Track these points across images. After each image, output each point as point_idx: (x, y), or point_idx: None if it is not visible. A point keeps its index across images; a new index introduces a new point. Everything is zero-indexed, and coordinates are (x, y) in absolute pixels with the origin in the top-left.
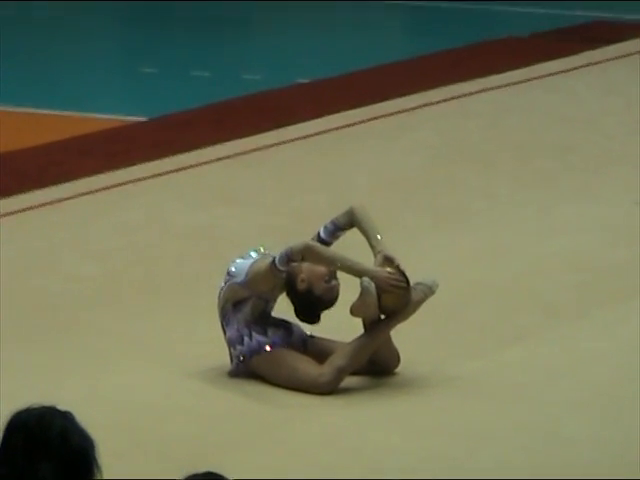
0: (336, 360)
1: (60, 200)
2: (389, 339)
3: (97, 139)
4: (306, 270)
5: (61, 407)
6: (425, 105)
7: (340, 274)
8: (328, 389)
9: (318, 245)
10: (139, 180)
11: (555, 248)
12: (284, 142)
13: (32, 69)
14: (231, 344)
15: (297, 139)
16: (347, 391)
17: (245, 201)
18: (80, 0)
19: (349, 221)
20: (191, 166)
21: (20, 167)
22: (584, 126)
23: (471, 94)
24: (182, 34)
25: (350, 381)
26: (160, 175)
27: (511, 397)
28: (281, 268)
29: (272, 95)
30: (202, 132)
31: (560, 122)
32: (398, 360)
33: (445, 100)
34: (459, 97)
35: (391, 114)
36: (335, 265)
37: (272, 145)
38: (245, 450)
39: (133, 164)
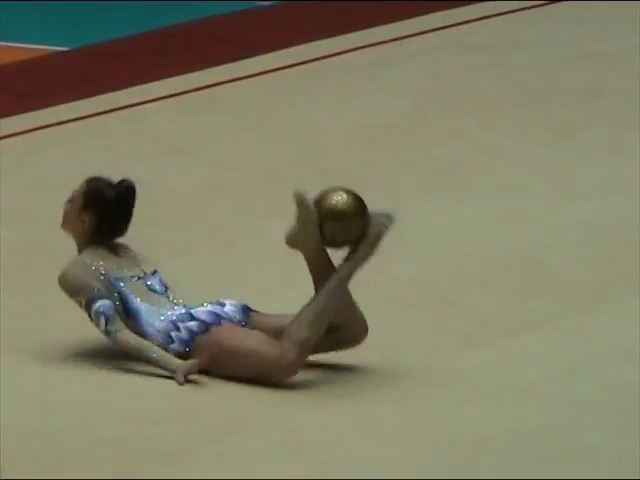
0: (295, 333)
1: None
2: (350, 299)
3: (9, 73)
4: None
5: None
6: (414, 35)
7: None
8: (293, 370)
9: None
10: (61, 124)
11: (574, 216)
12: (240, 79)
13: None
14: (165, 349)
15: (256, 75)
16: (314, 386)
17: (192, 152)
18: None
19: None
20: (125, 107)
21: None
22: (612, 65)
23: (470, 22)
24: None
25: (318, 376)
26: (87, 118)
27: (519, 397)
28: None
29: (226, 21)
30: (140, 65)
31: (583, 60)
32: (365, 328)
33: (438, 29)
34: (456, 25)
35: (371, 45)
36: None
37: (225, 82)
38: (183, 462)
39: (53, 104)
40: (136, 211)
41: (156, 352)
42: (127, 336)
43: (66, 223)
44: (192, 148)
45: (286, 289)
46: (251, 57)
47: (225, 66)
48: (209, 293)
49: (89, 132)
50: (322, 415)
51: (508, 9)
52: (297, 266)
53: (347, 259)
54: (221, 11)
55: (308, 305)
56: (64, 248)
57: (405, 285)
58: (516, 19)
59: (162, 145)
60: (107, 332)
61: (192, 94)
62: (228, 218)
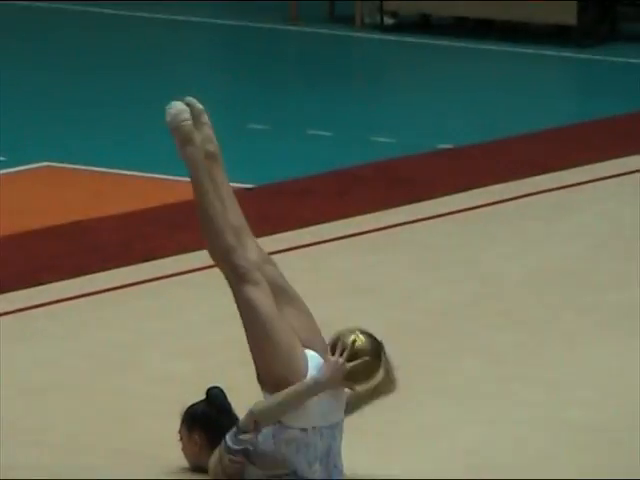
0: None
1: (144, 281)
2: None
3: (190, 209)
4: None
5: None
6: (593, 181)
7: None
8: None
9: (261, 402)
10: None
11: None
12: (419, 220)
13: (116, 122)
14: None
15: (435, 217)
16: None
17: (372, 291)
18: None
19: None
20: (306, 245)
21: (98, 240)
22: None
23: None
24: (300, 87)
25: None
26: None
27: None
28: (235, 447)
29: (407, 163)
30: (321, 205)
31: None
32: None
33: (618, 175)
34: (634, 172)
35: (550, 190)
36: (288, 406)
37: (405, 224)
38: None
39: None
40: None
41: (294, 390)
42: (263, 411)
43: (191, 458)
44: (370, 287)
45: (460, 426)
46: (429, 199)
47: (404, 208)
48: (382, 424)
49: None
50: None
51: None
52: (476, 406)
53: None
54: (402, 152)
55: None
56: (239, 383)
57: (577, 428)
58: None
59: (341, 285)
60: (256, 435)
61: (370, 235)
62: (406, 357)
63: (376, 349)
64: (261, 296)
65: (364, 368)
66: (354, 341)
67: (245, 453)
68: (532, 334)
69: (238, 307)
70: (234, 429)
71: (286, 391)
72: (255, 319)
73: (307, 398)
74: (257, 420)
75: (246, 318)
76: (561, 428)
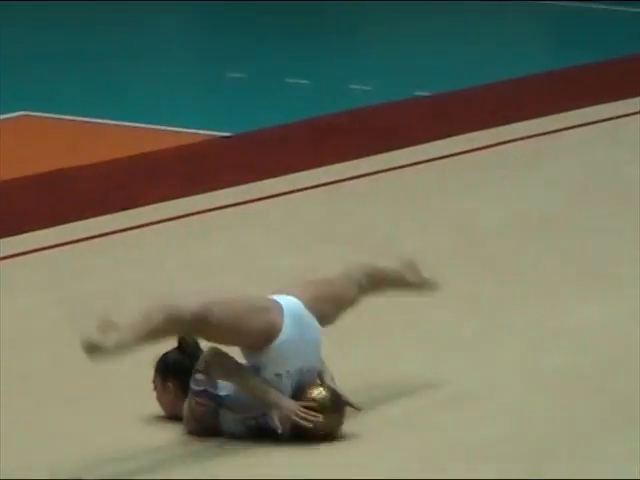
0: None
1: (123, 230)
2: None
3: (170, 158)
4: None
5: None
6: (568, 128)
7: None
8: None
9: (224, 356)
10: (219, 209)
11: None
12: (397, 168)
13: (95, 72)
14: None
15: (413, 164)
16: None
17: (348, 239)
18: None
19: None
20: (283, 194)
21: (77, 189)
22: None
23: (625, 116)
24: (278, 36)
25: None
26: (245, 204)
27: None
28: (196, 388)
29: (384, 110)
30: (298, 153)
31: None
32: None
33: (593, 123)
34: (610, 119)
35: (526, 138)
36: (240, 386)
37: (382, 171)
38: None
39: (212, 189)
40: None
41: (254, 382)
42: (219, 367)
43: (166, 407)
44: (346, 235)
45: (440, 374)
46: (407, 147)
47: (382, 155)
48: (361, 373)
49: (248, 218)
50: None
51: None
52: (455, 353)
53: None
54: (380, 100)
55: None
56: None
57: (556, 374)
58: None
59: (317, 233)
60: (208, 379)
61: (348, 183)
62: (384, 306)
63: (336, 407)
64: (206, 308)
65: (322, 425)
66: (323, 398)
67: (210, 397)
68: (513, 282)
69: (207, 339)
70: (194, 370)
71: (249, 377)
72: (221, 330)
73: (258, 397)
74: (207, 362)
75: (216, 336)
76: (540, 374)
